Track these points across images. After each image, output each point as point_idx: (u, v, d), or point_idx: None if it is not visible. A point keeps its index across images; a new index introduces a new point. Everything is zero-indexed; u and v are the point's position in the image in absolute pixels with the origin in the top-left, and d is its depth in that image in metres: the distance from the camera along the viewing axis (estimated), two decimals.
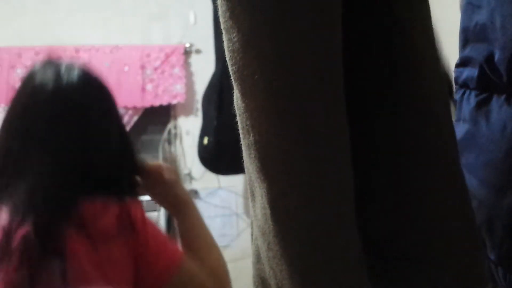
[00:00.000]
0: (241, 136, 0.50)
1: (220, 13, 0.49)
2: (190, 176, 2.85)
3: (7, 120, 0.94)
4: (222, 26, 0.49)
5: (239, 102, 0.49)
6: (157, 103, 2.79)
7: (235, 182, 2.79)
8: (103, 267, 0.88)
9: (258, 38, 0.45)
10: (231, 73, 0.49)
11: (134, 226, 0.92)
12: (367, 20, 0.53)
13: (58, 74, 0.95)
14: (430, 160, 0.54)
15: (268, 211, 0.47)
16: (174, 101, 2.81)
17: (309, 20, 0.45)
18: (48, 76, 0.95)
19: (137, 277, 0.92)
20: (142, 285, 0.93)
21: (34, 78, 0.96)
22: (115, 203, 0.93)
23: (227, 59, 0.49)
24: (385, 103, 0.54)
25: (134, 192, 1.01)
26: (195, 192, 2.85)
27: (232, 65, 0.48)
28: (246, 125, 0.48)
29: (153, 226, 0.97)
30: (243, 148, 0.50)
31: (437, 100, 0.55)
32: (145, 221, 0.94)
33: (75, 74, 0.96)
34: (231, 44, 0.48)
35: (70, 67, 0.97)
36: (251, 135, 0.47)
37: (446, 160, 0.55)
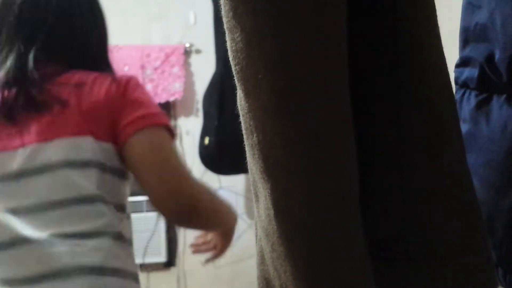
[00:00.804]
0: (244, 136, 0.50)
1: (223, 12, 0.49)
2: None
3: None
4: (225, 26, 0.49)
5: (243, 102, 0.49)
6: (156, 101, 2.78)
7: (235, 182, 2.78)
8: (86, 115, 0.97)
9: (261, 38, 0.45)
10: (234, 73, 0.49)
11: (119, 81, 1.02)
12: (371, 18, 0.53)
13: None
14: (434, 159, 0.54)
15: (272, 212, 0.47)
16: (171, 98, 2.80)
17: (312, 19, 0.45)
18: None
19: (115, 121, 0.99)
20: (119, 129, 0.99)
21: None
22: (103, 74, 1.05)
23: (230, 59, 0.49)
24: (389, 102, 0.53)
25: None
26: None
27: (235, 65, 0.48)
28: (250, 125, 0.48)
29: (139, 89, 1.04)
30: (247, 149, 0.50)
31: (442, 98, 0.55)
32: (136, 86, 1.02)
33: None
34: (234, 44, 0.47)
35: None
36: (255, 135, 0.47)
37: (451, 158, 0.55)
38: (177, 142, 2.88)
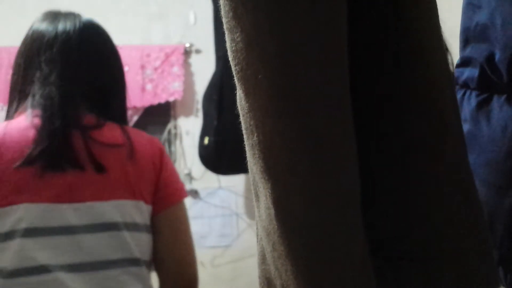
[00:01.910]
0: (244, 136, 0.50)
1: (222, 13, 0.49)
2: (190, 176, 2.85)
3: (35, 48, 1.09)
4: (224, 26, 0.49)
5: (243, 102, 0.49)
6: (155, 101, 2.79)
7: (235, 182, 2.79)
8: (130, 177, 1.01)
9: (261, 38, 0.45)
10: (234, 73, 0.49)
11: (160, 152, 1.08)
12: (372, 17, 0.53)
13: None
14: (436, 159, 0.54)
15: (272, 212, 0.47)
16: (171, 98, 2.80)
17: (312, 19, 0.45)
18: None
19: (156, 189, 1.06)
20: (155, 200, 1.06)
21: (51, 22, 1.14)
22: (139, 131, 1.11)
23: (230, 59, 0.49)
24: (390, 102, 0.53)
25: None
26: (195, 192, 2.85)
27: (235, 65, 0.48)
28: (250, 125, 0.48)
29: (169, 160, 1.11)
30: (247, 148, 0.50)
31: (444, 99, 0.55)
32: (164, 153, 1.11)
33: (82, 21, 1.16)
34: (234, 44, 0.47)
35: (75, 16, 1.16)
36: (255, 135, 0.47)
37: (453, 158, 0.55)
38: (177, 142, 2.89)
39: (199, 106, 2.77)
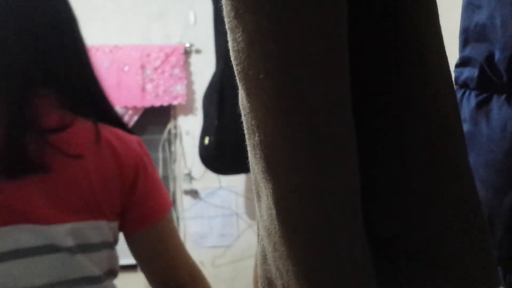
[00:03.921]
0: (246, 136, 0.50)
1: (224, 13, 0.49)
2: (190, 176, 2.85)
3: None
4: (226, 26, 0.49)
5: (244, 102, 0.49)
6: (157, 103, 2.80)
7: (235, 182, 2.79)
8: (93, 189, 0.86)
9: (262, 38, 0.45)
10: (236, 73, 0.49)
11: (135, 163, 0.92)
12: (371, 17, 0.53)
13: None
14: (436, 159, 0.54)
15: (273, 212, 0.47)
16: (175, 102, 2.82)
17: (313, 19, 0.45)
18: None
19: (124, 208, 0.92)
20: (127, 218, 0.93)
21: None
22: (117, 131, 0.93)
23: (232, 59, 0.49)
24: (391, 101, 0.54)
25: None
26: (195, 192, 2.85)
27: (237, 65, 0.48)
28: (251, 125, 0.48)
29: (153, 167, 0.96)
30: (249, 148, 0.50)
31: (444, 97, 0.55)
32: (148, 159, 0.95)
33: None
34: (235, 44, 0.48)
35: None
36: (257, 135, 0.47)
37: (453, 159, 0.55)
38: (177, 142, 2.89)
39: (199, 105, 2.77)
